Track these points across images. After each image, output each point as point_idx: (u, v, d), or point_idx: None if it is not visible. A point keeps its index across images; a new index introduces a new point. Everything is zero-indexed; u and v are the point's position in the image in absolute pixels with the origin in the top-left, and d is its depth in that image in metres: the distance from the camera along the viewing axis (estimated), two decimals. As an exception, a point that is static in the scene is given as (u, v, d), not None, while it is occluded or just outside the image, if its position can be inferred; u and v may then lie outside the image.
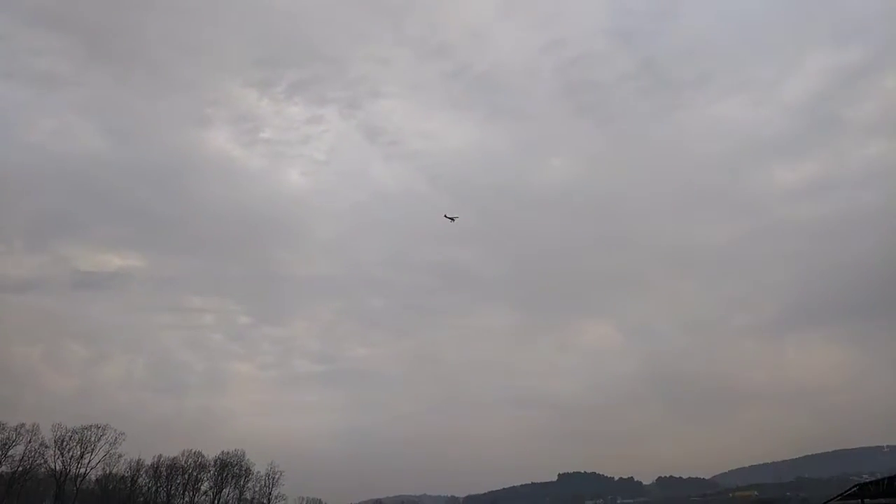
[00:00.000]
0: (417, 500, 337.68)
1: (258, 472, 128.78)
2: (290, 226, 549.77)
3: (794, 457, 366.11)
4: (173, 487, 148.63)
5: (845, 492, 32.76)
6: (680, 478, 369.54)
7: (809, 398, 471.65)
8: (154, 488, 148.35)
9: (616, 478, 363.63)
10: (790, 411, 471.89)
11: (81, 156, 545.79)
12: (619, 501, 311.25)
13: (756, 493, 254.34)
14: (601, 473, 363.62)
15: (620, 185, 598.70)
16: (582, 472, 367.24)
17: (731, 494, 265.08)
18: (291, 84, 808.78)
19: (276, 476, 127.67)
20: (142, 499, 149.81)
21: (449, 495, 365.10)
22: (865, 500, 32.24)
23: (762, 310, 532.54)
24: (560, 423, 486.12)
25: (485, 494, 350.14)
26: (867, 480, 31.24)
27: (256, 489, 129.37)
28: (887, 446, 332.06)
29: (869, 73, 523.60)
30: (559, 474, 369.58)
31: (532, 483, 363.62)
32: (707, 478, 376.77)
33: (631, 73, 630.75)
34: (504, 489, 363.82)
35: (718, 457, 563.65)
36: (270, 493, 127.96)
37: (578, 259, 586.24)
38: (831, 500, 35.14)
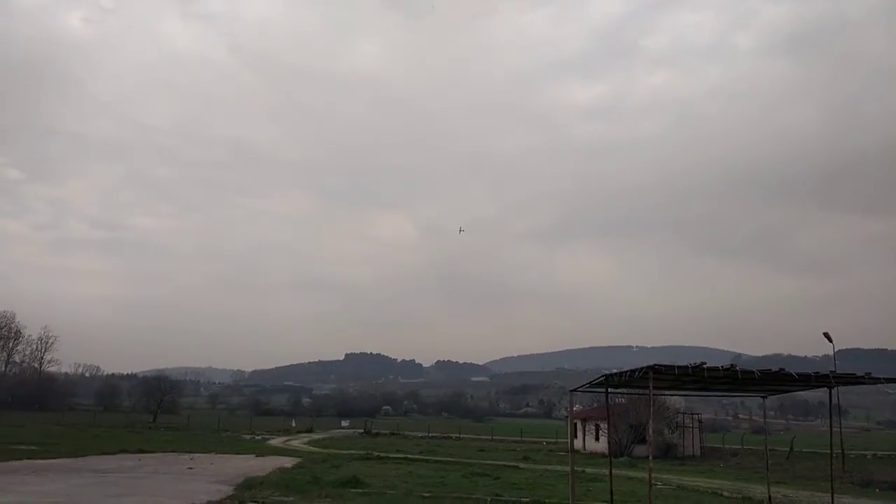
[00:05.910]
0: (202, 372, 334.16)
1: (29, 336, 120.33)
2: (65, 76, 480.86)
3: (556, 350, 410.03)
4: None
5: (593, 381, 38.58)
6: (456, 362, 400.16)
7: (573, 300, 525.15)
8: None
9: (399, 359, 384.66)
10: (556, 310, 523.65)
11: None
12: (400, 380, 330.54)
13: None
14: (385, 355, 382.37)
15: (424, 82, 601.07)
16: (368, 352, 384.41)
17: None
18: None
19: (50, 341, 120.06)
20: None
21: (235, 369, 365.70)
22: (609, 389, 39.07)
23: (540, 218, 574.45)
24: (349, 308, 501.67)
25: (272, 370, 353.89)
26: (612, 372, 37.35)
27: (27, 353, 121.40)
28: (636, 346, 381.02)
29: (668, 5, 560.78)
30: (346, 354, 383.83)
31: (320, 361, 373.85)
32: (480, 364, 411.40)
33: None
34: (291, 365, 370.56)
35: (491, 346, 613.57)
36: (42, 358, 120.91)
37: (378, 151, 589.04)
38: (581, 386, 41.39)
